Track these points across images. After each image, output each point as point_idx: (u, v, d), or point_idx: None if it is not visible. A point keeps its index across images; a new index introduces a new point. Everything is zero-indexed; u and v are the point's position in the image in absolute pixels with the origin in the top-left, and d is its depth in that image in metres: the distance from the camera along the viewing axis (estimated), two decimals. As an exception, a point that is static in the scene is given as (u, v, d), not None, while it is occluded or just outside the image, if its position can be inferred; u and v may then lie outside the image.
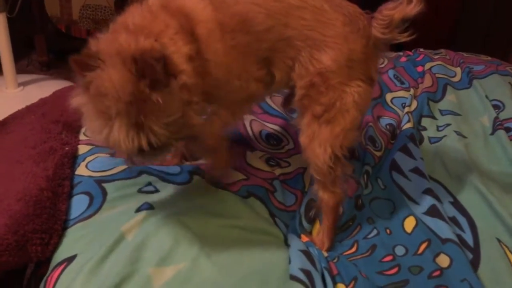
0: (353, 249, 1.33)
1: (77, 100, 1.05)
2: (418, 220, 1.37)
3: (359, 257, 1.29)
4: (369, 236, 1.36)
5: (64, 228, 1.24)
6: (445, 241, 1.30)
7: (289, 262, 1.17)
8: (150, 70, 0.96)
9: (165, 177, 1.40)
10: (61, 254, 1.18)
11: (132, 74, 0.96)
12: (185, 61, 1.05)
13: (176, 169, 1.44)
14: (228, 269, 1.14)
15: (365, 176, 1.56)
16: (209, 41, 1.13)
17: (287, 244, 1.29)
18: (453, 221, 1.39)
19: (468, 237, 1.34)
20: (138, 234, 1.19)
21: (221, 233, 1.24)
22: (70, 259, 1.14)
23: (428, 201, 1.43)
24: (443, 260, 1.24)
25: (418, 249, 1.30)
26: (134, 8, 1.14)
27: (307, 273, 1.11)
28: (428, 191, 1.46)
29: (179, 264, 1.13)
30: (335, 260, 1.25)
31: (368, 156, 1.63)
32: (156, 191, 1.35)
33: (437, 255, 1.26)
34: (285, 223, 1.39)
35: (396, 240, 1.34)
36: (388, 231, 1.38)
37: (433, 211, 1.39)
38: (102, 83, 0.97)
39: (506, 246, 1.30)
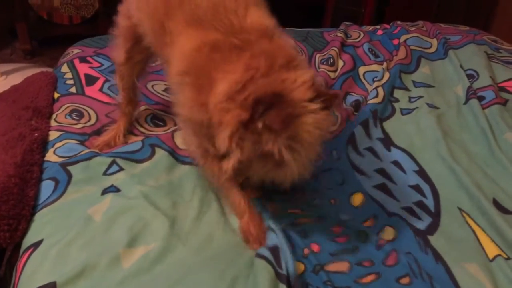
0: (297, 210, 1.33)
1: (267, 146, 1.01)
2: (366, 196, 1.39)
3: (305, 220, 1.30)
4: (313, 204, 1.36)
5: (33, 213, 1.25)
6: (391, 214, 1.32)
7: None
8: (334, 98, 1.03)
9: (128, 156, 1.41)
10: (28, 239, 1.19)
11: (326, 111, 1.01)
12: None
13: (138, 145, 1.46)
14: (197, 250, 1.15)
15: None
16: None
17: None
18: (416, 188, 1.41)
19: (429, 203, 1.36)
20: (106, 216, 1.21)
21: (189, 214, 1.25)
22: (36, 244, 1.15)
23: (378, 178, 1.45)
24: (389, 233, 1.27)
25: (364, 222, 1.31)
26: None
27: (272, 249, 1.12)
28: (380, 171, 1.48)
29: (149, 245, 1.14)
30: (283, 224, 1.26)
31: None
32: (121, 169, 1.36)
33: (382, 229, 1.28)
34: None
35: (340, 208, 1.35)
36: (333, 201, 1.38)
37: (383, 187, 1.41)
38: (314, 131, 1.00)
39: (467, 214, 1.31)
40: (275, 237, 1.17)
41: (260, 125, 0.97)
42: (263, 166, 1.08)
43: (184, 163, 1.41)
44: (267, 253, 1.10)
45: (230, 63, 1.07)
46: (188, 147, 1.32)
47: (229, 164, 1.06)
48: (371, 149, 1.56)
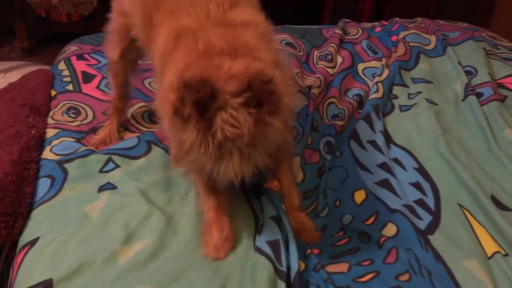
0: None
1: (188, 137, 0.93)
2: (368, 194, 1.39)
3: None
4: (321, 215, 1.37)
5: (29, 211, 1.25)
6: (393, 211, 1.32)
7: (260, 233, 1.17)
8: (268, 97, 0.91)
9: (124, 153, 1.41)
10: (25, 237, 1.19)
11: (253, 109, 0.90)
12: (283, 82, 1.00)
13: (134, 141, 1.46)
14: (193, 246, 1.15)
15: (325, 147, 1.56)
16: None
17: (256, 215, 1.26)
18: (416, 186, 1.41)
19: (430, 201, 1.36)
20: (102, 213, 1.20)
21: (185, 210, 1.25)
22: (33, 242, 1.15)
23: (381, 174, 1.44)
24: (390, 230, 1.27)
25: (366, 220, 1.32)
26: (201, 31, 1.05)
27: (273, 244, 1.11)
28: (382, 165, 1.48)
29: (145, 240, 1.14)
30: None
31: (328, 127, 1.63)
32: (117, 166, 1.36)
33: (385, 225, 1.28)
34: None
35: (344, 209, 1.36)
36: (337, 203, 1.39)
37: (385, 184, 1.41)
38: (228, 129, 0.90)
39: (468, 211, 1.31)
40: (278, 231, 1.15)
41: (186, 111, 0.90)
42: (195, 159, 0.98)
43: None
44: (267, 248, 1.10)
45: (178, 50, 1.03)
46: (170, 148, 1.30)
47: (172, 152, 1.01)
48: (374, 143, 1.56)
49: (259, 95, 0.90)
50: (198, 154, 0.94)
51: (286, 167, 1.27)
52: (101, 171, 1.34)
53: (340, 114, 1.71)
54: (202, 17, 1.09)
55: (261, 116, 0.91)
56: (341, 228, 1.31)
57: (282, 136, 1.01)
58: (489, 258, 1.18)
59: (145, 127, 1.62)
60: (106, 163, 1.37)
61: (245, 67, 0.94)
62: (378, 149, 1.54)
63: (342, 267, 1.16)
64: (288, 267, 1.09)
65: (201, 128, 0.91)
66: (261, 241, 1.13)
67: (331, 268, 1.15)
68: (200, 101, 0.88)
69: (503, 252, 1.18)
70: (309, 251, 1.18)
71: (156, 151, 1.42)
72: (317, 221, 1.35)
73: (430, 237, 1.24)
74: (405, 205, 1.33)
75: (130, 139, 1.49)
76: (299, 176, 1.44)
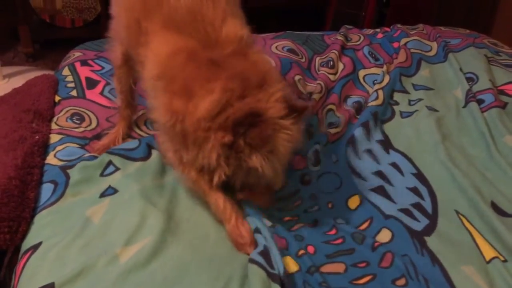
0: (291, 218, 1.34)
1: (250, 162, 1.12)
2: (362, 199, 1.40)
3: (300, 225, 1.31)
4: (310, 210, 1.38)
5: (33, 216, 1.26)
6: (388, 217, 1.32)
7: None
8: (305, 110, 1.17)
9: (125, 154, 1.42)
10: (28, 242, 1.20)
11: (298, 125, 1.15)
12: None
13: (135, 143, 1.47)
14: (194, 248, 1.16)
15: (313, 156, 1.56)
16: None
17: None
18: (414, 190, 1.42)
19: (427, 205, 1.36)
20: (104, 217, 1.22)
21: (185, 213, 1.26)
22: (35, 247, 1.16)
23: (377, 181, 1.46)
24: (385, 236, 1.27)
25: (360, 226, 1.32)
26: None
27: (263, 253, 1.13)
28: (377, 173, 1.49)
29: (145, 238, 1.15)
30: (276, 228, 1.26)
31: (321, 135, 1.64)
32: (117, 169, 1.37)
33: (379, 231, 1.29)
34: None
35: (337, 213, 1.37)
36: (330, 205, 1.39)
37: (379, 190, 1.43)
38: (288, 145, 1.13)
39: (465, 217, 1.31)
40: (262, 238, 1.17)
41: (242, 143, 1.08)
42: (244, 177, 1.18)
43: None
44: (258, 257, 1.11)
45: (208, 81, 1.12)
46: (165, 153, 1.34)
47: (216, 178, 1.16)
48: (369, 152, 1.57)
49: (301, 112, 1.14)
50: (258, 174, 1.13)
51: None
52: (101, 174, 1.35)
53: (335, 123, 1.71)
54: (205, 39, 1.19)
55: (300, 126, 1.15)
56: (333, 226, 1.31)
57: None
58: (488, 263, 1.18)
59: (147, 133, 1.63)
60: (107, 166, 1.37)
61: (279, 95, 1.12)
62: (374, 158, 1.55)
63: (338, 267, 1.17)
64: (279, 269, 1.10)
65: (263, 152, 1.10)
66: (255, 253, 1.13)
67: (327, 268, 1.16)
68: (264, 135, 1.08)
69: (502, 258, 1.18)
70: (302, 251, 1.19)
71: (156, 154, 1.42)
72: (305, 216, 1.35)
73: (426, 238, 1.24)
74: (401, 209, 1.34)
75: (131, 141, 1.50)
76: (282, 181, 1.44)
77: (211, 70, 1.13)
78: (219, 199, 1.23)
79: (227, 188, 1.25)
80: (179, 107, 1.13)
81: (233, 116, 1.07)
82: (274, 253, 1.12)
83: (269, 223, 1.26)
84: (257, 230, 1.20)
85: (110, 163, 1.38)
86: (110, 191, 1.29)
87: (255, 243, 1.17)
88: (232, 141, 1.08)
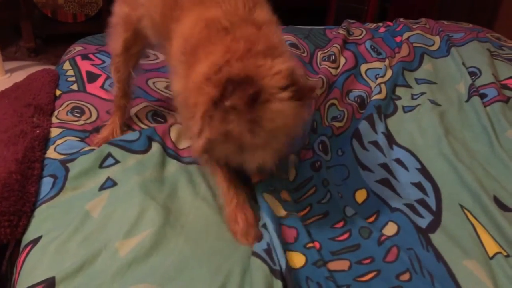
0: (306, 211, 1.34)
1: (234, 127, 1.02)
2: (369, 193, 1.39)
3: (312, 219, 1.31)
4: (323, 201, 1.37)
5: (33, 210, 1.26)
6: (394, 210, 1.32)
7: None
8: (309, 91, 1.06)
9: (125, 145, 1.41)
10: (28, 236, 1.20)
11: (297, 101, 1.02)
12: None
13: (135, 135, 1.46)
14: (194, 242, 1.16)
15: (320, 146, 1.57)
16: None
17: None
18: (418, 186, 1.41)
19: (431, 201, 1.36)
20: (103, 210, 1.22)
21: (185, 207, 1.26)
22: (35, 241, 1.16)
23: (382, 173, 1.45)
24: (391, 229, 1.27)
25: (367, 219, 1.32)
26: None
27: (266, 250, 1.12)
28: (383, 166, 1.48)
29: (144, 231, 1.15)
30: (287, 220, 1.26)
31: (326, 128, 1.64)
32: (117, 162, 1.36)
33: (385, 224, 1.28)
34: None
35: (346, 203, 1.36)
36: (340, 194, 1.39)
37: (386, 182, 1.42)
38: (277, 118, 1.01)
39: (469, 211, 1.31)
40: (268, 236, 1.17)
41: (227, 103, 0.98)
42: (226, 148, 1.08)
43: (176, 159, 1.42)
44: (261, 251, 1.11)
45: (213, 44, 1.08)
46: (185, 133, 1.32)
47: (199, 143, 1.07)
48: (375, 143, 1.56)
49: (302, 90, 1.03)
50: (239, 144, 1.04)
51: None
52: (101, 166, 1.35)
53: (339, 116, 1.71)
54: (232, 12, 1.14)
55: (301, 109, 1.04)
56: (343, 218, 1.30)
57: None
58: (491, 258, 1.17)
59: (149, 127, 1.62)
60: (106, 158, 1.37)
61: (286, 66, 1.04)
62: (380, 149, 1.54)
63: (343, 264, 1.16)
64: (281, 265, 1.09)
65: (248, 120, 0.99)
66: (257, 247, 1.14)
67: (331, 266, 1.15)
68: (249, 97, 0.97)
69: (505, 253, 1.18)
70: (310, 244, 1.18)
71: (156, 147, 1.42)
72: (318, 207, 1.35)
73: (431, 235, 1.24)
74: (406, 204, 1.34)
75: (131, 133, 1.49)
76: (292, 174, 1.45)
77: (220, 35, 1.09)
78: (223, 181, 1.22)
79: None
80: (187, 74, 1.11)
81: (227, 74, 1.01)
82: (278, 249, 1.12)
83: (283, 213, 1.26)
84: (264, 226, 1.20)
85: (109, 155, 1.38)
86: (109, 183, 1.29)
87: (253, 235, 1.17)
88: (218, 97, 0.99)
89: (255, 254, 1.10)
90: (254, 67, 1.02)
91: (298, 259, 1.14)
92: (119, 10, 1.46)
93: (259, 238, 1.17)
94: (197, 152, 1.10)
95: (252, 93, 0.97)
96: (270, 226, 1.19)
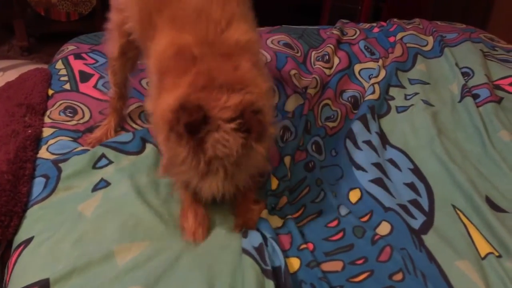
0: (300, 212, 1.34)
1: (182, 152, 1.07)
2: (363, 192, 1.39)
3: (305, 221, 1.31)
4: (317, 200, 1.38)
5: (25, 210, 1.25)
6: (388, 209, 1.32)
7: (245, 237, 1.18)
8: (257, 124, 1.05)
9: (118, 147, 1.41)
10: (20, 236, 1.19)
11: (242, 134, 1.04)
12: (270, 112, 1.15)
13: (128, 136, 1.46)
14: (186, 244, 1.16)
15: (313, 146, 1.57)
16: None
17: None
18: (411, 186, 1.42)
19: (424, 201, 1.36)
20: (96, 211, 1.21)
21: (178, 209, 1.25)
22: (27, 241, 1.15)
23: (375, 172, 1.45)
24: (384, 228, 1.27)
25: (361, 218, 1.32)
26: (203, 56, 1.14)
27: (257, 248, 1.13)
28: (377, 165, 1.48)
29: (142, 242, 1.14)
30: (282, 227, 1.27)
31: (319, 129, 1.64)
32: (110, 162, 1.36)
33: (379, 224, 1.29)
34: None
35: (340, 201, 1.37)
36: (334, 194, 1.40)
37: (379, 182, 1.42)
38: (219, 148, 1.04)
39: (461, 212, 1.31)
40: (259, 236, 1.17)
41: (180, 129, 1.03)
42: (183, 172, 1.11)
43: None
44: (252, 251, 1.11)
45: (180, 75, 1.12)
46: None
47: (162, 162, 1.15)
48: (369, 143, 1.57)
49: (249, 123, 1.04)
50: (189, 168, 1.08)
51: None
52: (94, 167, 1.34)
53: (332, 116, 1.71)
54: (202, 38, 1.16)
55: (249, 141, 1.05)
56: (336, 217, 1.31)
57: (263, 161, 1.14)
58: (483, 259, 1.18)
59: (142, 127, 1.61)
60: (99, 159, 1.36)
61: (240, 100, 1.06)
62: (374, 148, 1.55)
63: (336, 265, 1.17)
64: (279, 267, 1.10)
65: (193, 146, 1.04)
66: (247, 244, 1.14)
67: (325, 267, 1.15)
68: (191, 123, 1.02)
69: (497, 254, 1.18)
70: (303, 246, 1.18)
71: (150, 149, 1.42)
72: (312, 207, 1.35)
73: (423, 237, 1.24)
74: (399, 204, 1.34)
75: (125, 134, 1.49)
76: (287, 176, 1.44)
77: (188, 65, 1.12)
78: (185, 193, 1.25)
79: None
80: (156, 98, 1.15)
81: (180, 101, 1.05)
82: (276, 248, 1.13)
83: (279, 223, 1.27)
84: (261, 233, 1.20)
85: (103, 156, 1.37)
86: (103, 184, 1.28)
87: (200, 234, 1.18)
88: (173, 122, 1.04)
89: (246, 252, 1.11)
90: (208, 99, 1.06)
91: (293, 264, 1.15)
92: (113, 17, 1.46)
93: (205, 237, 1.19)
94: (161, 171, 1.18)
95: (195, 119, 1.02)
96: (269, 234, 1.19)
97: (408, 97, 1.80)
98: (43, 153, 1.42)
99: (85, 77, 1.82)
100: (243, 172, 1.11)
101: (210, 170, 1.08)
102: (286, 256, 1.15)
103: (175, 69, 1.14)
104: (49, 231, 1.16)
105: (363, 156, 1.51)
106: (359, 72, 1.94)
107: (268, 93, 1.18)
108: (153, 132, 1.36)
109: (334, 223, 1.29)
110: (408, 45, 2.06)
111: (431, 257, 1.18)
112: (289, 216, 1.28)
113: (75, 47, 2.02)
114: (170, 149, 1.09)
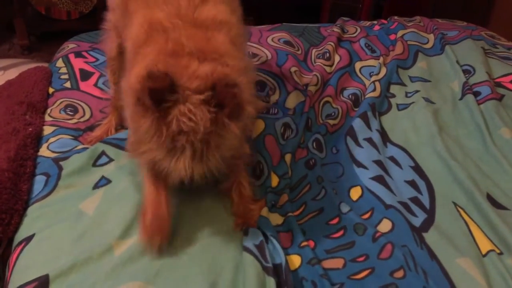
0: (301, 209, 1.34)
1: (144, 123, 0.97)
2: (364, 190, 1.39)
3: (307, 217, 1.31)
4: (318, 198, 1.38)
5: (26, 208, 1.25)
6: (389, 206, 1.32)
7: (246, 235, 1.18)
8: (231, 99, 0.94)
9: (118, 144, 1.41)
10: (21, 234, 1.19)
11: (212, 108, 0.94)
12: (248, 89, 1.03)
13: (127, 133, 1.45)
14: (187, 239, 1.16)
15: (314, 144, 1.57)
16: None
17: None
18: (412, 183, 1.42)
19: (425, 199, 1.36)
20: (98, 209, 1.21)
21: (180, 207, 1.25)
22: (28, 239, 1.16)
23: (376, 170, 1.45)
24: (385, 226, 1.27)
25: (362, 216, 1.32)
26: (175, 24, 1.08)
27: (258, 246, 1.13)
28: (378, 162, 1.48)
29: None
30: (282, 224, 1.27)
31: (320, 126, 1.64)
32: (111, 160, 1.36)
33: (380, 221, 1.29)
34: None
35: (341, 199, 1.37)
36: (335, 191, 1.40)
37: (380, 179, 1.42)
38: (184, 121, 0.94)
39: (462, 209, 1.31)
40: (259, 233, 1.17)
41: (146, 99, 0.93)
42: (150, 150, 1.00)
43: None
44: (253, 248, 1.11)
45: (151, 45, 1.06)
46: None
47: (128, 141, 1.06)
48: (370, 140, 1.57)
49: (221, 96, 0.94)
50: (151, 143, 0.97)
51: (241, 179, 1.27)
52: (94, 165, 1.34)
53: (333, 114, 1.71)
54: (173, 13, 1.10)
55: (220, 116, 0.95)
56: (338, 215, 1.31)
57: (238, 142, 1.05)
58: (484, 256, 1.18)
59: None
60: (99, 156, 1.36)
61: (211, 70, 0.97)
62: (374, 146, 1.55)
63: (337, 263, 1.17)
64: (280, 264, 1.10)
65: (156, 117, 0.94)
66: (248, 242, 1.14)
67: (326, 264, 1.15)
68: (156, 91, 0.92)
69: (498, 251, 1.18)
70: (304, 243, 1.18)
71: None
72: (313, 204, 1.35)
73: (424, 234, 1.24)
74: (400, 202, 1.34)
75: (125, 131, 1.48)
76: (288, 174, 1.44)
77: (159, 37, 1.06)
78: (149, 183, 1.16)
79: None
80: (128, 74, 1.09)
81: (149, 69, 0.96)
82: (276, 246, 1.13)
83: (279, 220, 1.27)
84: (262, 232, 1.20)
85: (103, 153, 1.37)
86: (103, 182, 1.28)
87: (157, 231, 1.10)
88: (138, 93, 0.95)
89: (247, 249, 1.11)
90: (177, 66, 0.98)
91: (294, 261, 1.15)
92: (110, 18, 1.46)
93: (165, 237, 1.12)
94: (127, 150, 1.07)
95: (160, 87, 0.92)
96: (271, 234, 1.19)
97: (409, 94, 1.80)
98: (43, 151, 1.42)
99: (85, 75, 1.82)
100: (215, 152, 0.99)
101: (176, 147, 0.96)
102: (287, 254, 1.15)
103: (146, 42, 1.08)
104: (50, 228, 1.17)
105: (364, 153, 1.51)
106: (360, 70, 1.93)
107: (247, 69, 1.10)
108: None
109: (335, 220, 1.29)
110: (409, 42, 2.06)
111: (432, 255, 1.18)
112: (290, 214, 1.28)
113: (75, 45, 2.02)
114: (134, 122, 1.00)
